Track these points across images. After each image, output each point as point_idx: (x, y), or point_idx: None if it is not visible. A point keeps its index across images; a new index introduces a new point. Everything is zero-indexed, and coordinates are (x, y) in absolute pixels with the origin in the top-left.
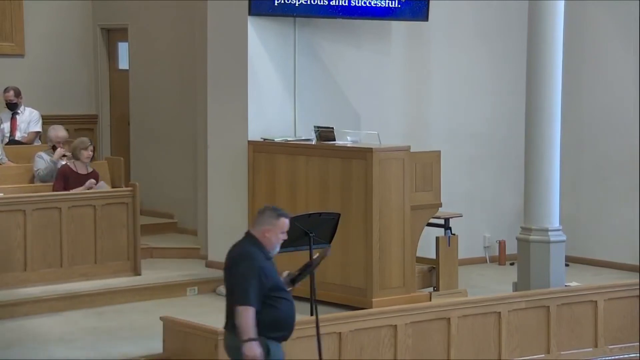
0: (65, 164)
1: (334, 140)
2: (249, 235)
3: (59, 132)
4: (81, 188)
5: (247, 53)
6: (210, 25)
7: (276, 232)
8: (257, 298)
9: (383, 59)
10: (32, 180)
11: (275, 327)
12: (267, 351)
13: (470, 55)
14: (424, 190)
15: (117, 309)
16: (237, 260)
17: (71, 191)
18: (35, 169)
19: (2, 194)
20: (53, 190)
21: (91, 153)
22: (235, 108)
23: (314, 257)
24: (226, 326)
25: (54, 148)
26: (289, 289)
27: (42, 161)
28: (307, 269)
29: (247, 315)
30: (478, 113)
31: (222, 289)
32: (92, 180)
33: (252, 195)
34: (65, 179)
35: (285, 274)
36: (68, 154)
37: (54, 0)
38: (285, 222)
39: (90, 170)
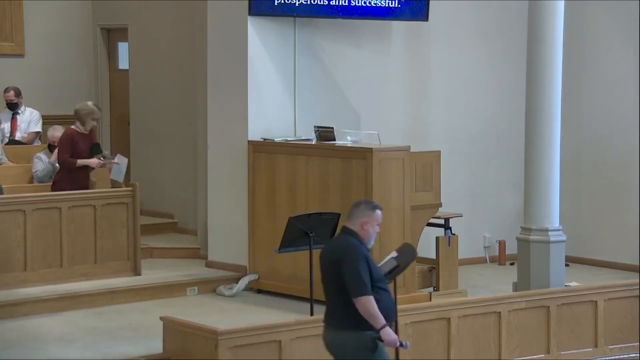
0: (70, 127)
1: (334, 140)
2: (346, 230)
3: (55, 132)
4: (93, 163)
5: (247, 53)
6: (210, 25)
7: (373, 223)
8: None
9: (383, 59)
10: (31, 181)
11: None
12: (375, 346)
13: (470, 55)
14: (424, 190)
15: (117, 309)
16: (344, 254)
17: (83, 162)
18: (34, 170)
19: (3, 186)
20: (59, 158)
21: (96, 125)
22: (235, 108)
23: (394, 256)
24: (326, 321)
25: (50, 147)
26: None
27: (41, 162)
28: (396, 270)
29: (371, 305)
30: (478, 113)
31: (222, 288)
32: (102, 161)
33: (252, 195)
34: (74, 144)
35: None
36: None
37: (54, 0)
38: (380, 214)
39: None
